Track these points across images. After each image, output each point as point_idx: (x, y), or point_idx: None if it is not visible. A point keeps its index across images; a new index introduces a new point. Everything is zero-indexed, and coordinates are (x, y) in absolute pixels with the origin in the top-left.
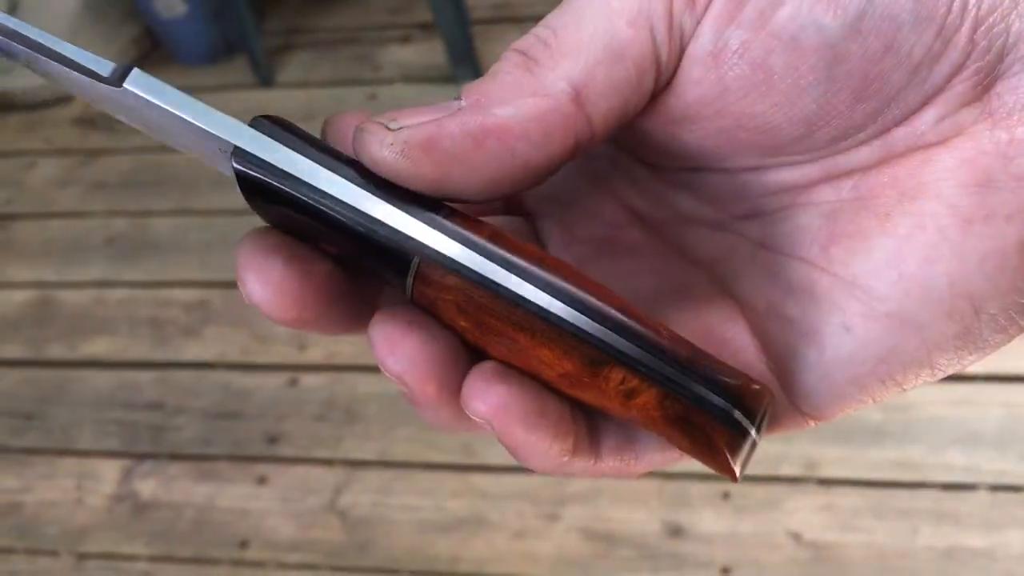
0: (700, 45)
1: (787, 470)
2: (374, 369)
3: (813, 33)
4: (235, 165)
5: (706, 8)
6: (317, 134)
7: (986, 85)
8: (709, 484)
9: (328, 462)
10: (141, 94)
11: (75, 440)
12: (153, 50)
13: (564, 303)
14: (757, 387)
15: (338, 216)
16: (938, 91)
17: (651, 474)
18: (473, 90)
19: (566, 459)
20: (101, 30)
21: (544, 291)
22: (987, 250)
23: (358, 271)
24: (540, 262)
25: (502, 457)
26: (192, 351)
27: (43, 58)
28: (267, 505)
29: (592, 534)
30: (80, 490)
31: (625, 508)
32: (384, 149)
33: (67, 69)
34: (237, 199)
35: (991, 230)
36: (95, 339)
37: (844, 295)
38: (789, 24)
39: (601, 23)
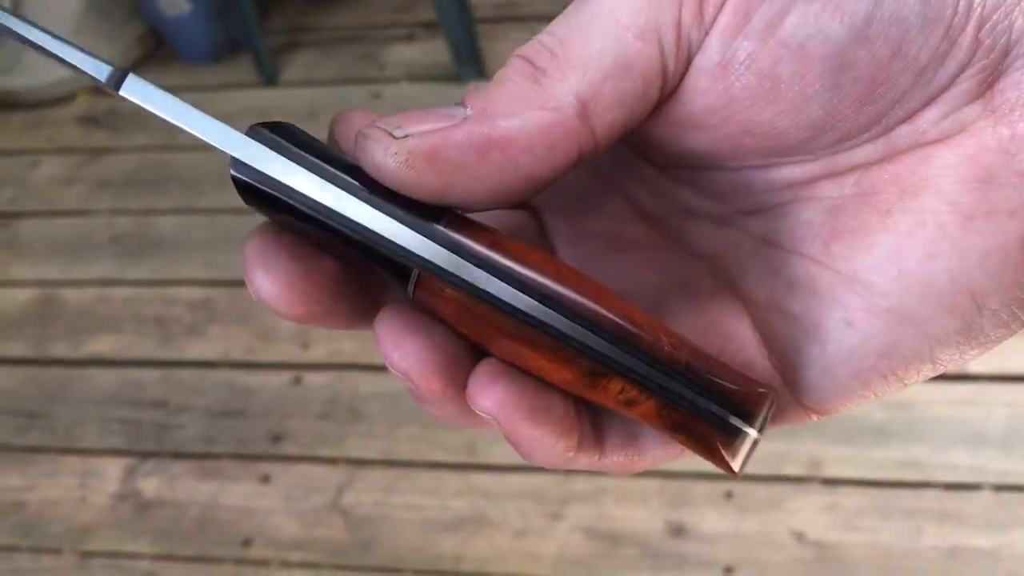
0: (708, 57)
1: (790, 469)
2: (378, 368)
3: (820, 41)
4: (233, 173)
5: (714, 20)
6: (321, 133)
7: (989, 82)
8: (712, 483)
9: (331, 461)
10: (137, 101)
11: (79, 438)
12: (157, 49)
13: (562, 315)
14: (760, 390)
15: (336, 227)
16: (942, 90)
17: (653, 473)
18: (479, 99)
19: (570, 455)
20: (105, 28)
21: (542, 304)
22: (989, 246)
23: (363, 268)
24: (541, 269)
25: (505, 456)
26: (196, 350)
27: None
28: (270, 504)
29: (595, 533)
30: (84, 488)
31: (628, 507)
32: (388, 157)
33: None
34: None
35: (993, 226)
36: (99, 337)
37: (845, 291)
38: (796, 33)
39: (609, 36)
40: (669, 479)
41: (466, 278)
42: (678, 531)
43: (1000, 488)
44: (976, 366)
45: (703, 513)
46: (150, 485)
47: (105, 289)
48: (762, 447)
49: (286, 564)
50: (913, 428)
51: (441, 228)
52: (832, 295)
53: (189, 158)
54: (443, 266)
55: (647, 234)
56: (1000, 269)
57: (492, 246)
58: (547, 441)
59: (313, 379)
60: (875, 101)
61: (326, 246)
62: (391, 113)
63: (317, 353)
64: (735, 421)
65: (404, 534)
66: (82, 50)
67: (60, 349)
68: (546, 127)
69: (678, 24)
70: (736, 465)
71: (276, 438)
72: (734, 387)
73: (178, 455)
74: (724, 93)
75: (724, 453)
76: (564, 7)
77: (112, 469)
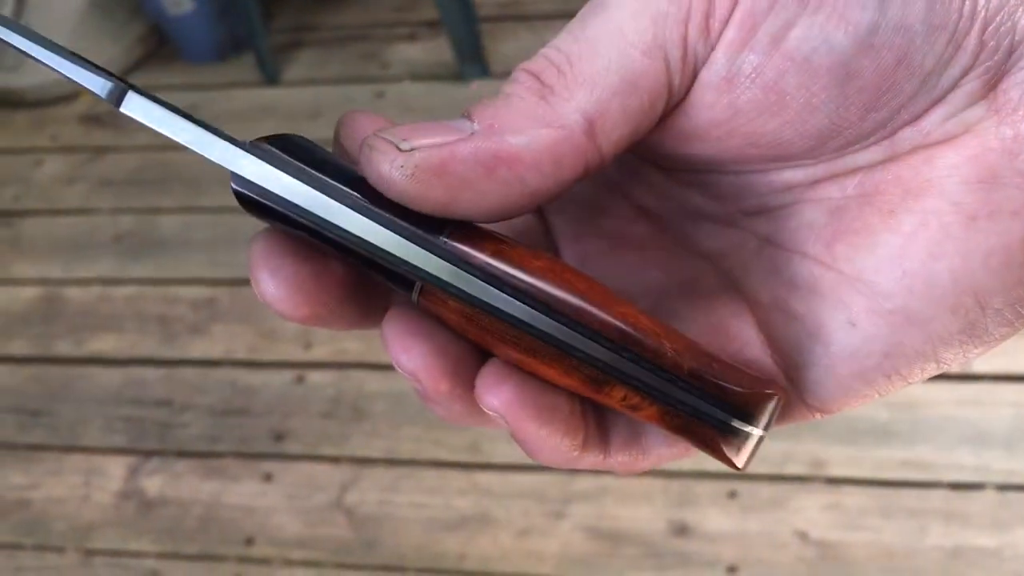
0: (714, 71)
1: (794, 469)
2: (381, 367)
3: (825, 53)
4: (234, 187)
5: (720, 35)
6: (323, 132)
7: (993, 83)
8: (715, 483)
9: (334, 459)
10: (137, 117)
11: (82, 437)
12: (160, 47)
13: (564, 325)
14: (766, 390)
15: (337, 240)
16: (946, 92)
17: (657, 473)
18: (486, 113)
19: (576, 454)
20: (108, 28)
21: (544, 314)
22: (992, 246)
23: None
24: (544, 277)
25: (508, 455)
26: (199, 348)
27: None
28: (273, 502)
29: (598, 533)
30: (87, 487)
31: (631, 507)
32: (394, 170)
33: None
34: None
35: (996, 226)
36: (102, 336)
37: (849, 291)
38: (802, 45)
39: (616, 53)
40: (672, 478)
41: (468, 290)
42: (681, 530)
43: (1004, 488)
44: (981, 366)
45: (706, 512)
46: (153, 484)
47: (108, 288)
48: (766, 447)
49: (289, 563)
50: (917, 428)
51: (443, 240)
52: (836, 295)
53: (192, 157)
54: (445, 279)
55: (651, 234)
56: (1003, 269)
57: (495, 255)
58: (553, 440)
59: (316, 378)
60: (880, 108)
61: (329, 256)
62: (394, 113)
63: (320, 352)
64: (738, 424)
65: (407, 533)
66: (83, 64)
67: (63, 348)
68: (553, 145)
69: (684, 40)
70: (740, 462)
71: (279, 437)
72: (738, 389)
73: (181, 454)
74: (729, 106)
75: (727, 453)
76: (567, 6)
77: (115, 467)
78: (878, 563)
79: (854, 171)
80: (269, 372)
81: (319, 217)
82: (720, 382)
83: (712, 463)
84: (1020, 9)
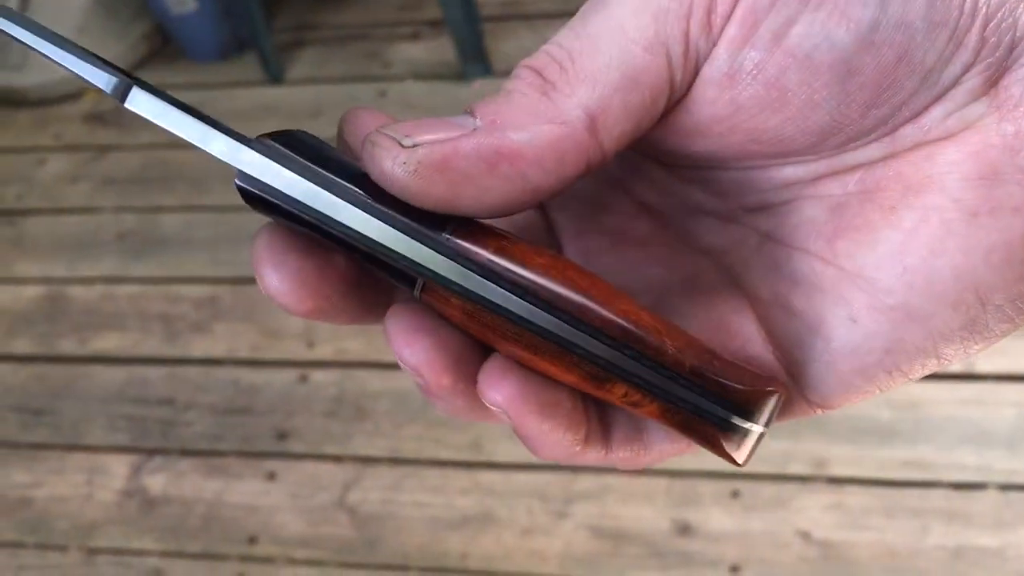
0: (715, 67)
1: (796, 469)
2: (384, 366)
3: (827, 49)
4: (238, 183)
5: (721, 31)
6: (326, 131)
7: (994, 79)
8: (718, 482)
9: (337, 458)
10: (141, 113)
11: (85, 435)
12: (163, 46)
13: (566, 322)
14: (768, 388)
15: (340, 236)
16: (947, 89)
17: (660, 472)
18: (488, 110)
19: (578, 449)
20: (111, 26)
21: (546, 311)
22: (993, 243)
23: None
24: (546, 273)
25: (511, 454)
26: (202, 347)
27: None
28: (276, 501)
29: (600, 532)
30: (90, 485)
31: (634, 506)
32: (396, 166)
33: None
34: None
35: (997, 223)
36: (105, 335)
37: (850, 287)
38: (803, 42)
39: (617, 49)
40: (675, 478)
41: (469, 287)
42: (684, 530)
43: (1006, 488)
44: (983, 366)
45: (709, 512)
46: (156, 482)
47: (111, 286)
48: (768, 446)
49: (292, 561)
50: (919, 428)
51: (446, 237)
52: (836, 291)
53: (195, 155)
54: (447, 275)
55: (652, 231)
56: (1004, 265)
57: (497, 252)
58: (555, 435)
59: (319, 377)
60: (881, 105)
61: (332, 251)
62: (397, 112)
63: (323, 351)
64: (738, 420)
65: (410, 532)
66: (88, 57)
67: (66, 346)
68: (555, 141)
69: (686, 36)
70: (740, 458)
71: (282, 436)
72: (739, 386)
73: (184, 452)
74: (731, 102)
75: (728, 449)
76: (569, 5)
77: (118, 466)
78: (880, 563)
79: (855, 167)
80: (272, 371)
81: (322, 213)
82: (721, 379)
83: (715, 462)
84: (1021, 6)
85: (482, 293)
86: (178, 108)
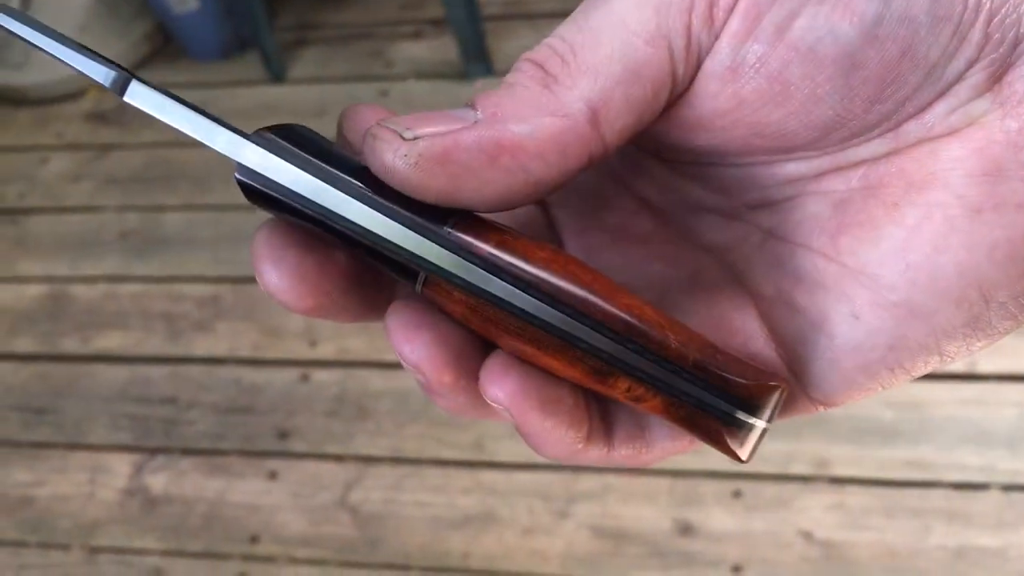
0: (718, 61)
1: (798, 469)
2: (385, 365)
3: (830, 43)
4: (238, 177)
5: (724, 24)
6: (329, 130)
7: (998, 76)
8: (720, 482)
9: (339, 458)
10: (141, 107)
11: (87, 434)
12: (165, 45)
13: (568, 316)
14: (770, 383)
15: (341, 230)
16: (951, 85)
17: (661, 472)
18: (489, 102)
19: (580, 447)
20: (113, 25)
21: (548, 305)
22: (996, 239)
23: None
24: (547, 267)
25: (513, 454)
26: (204, 346)
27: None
28: (278, 500)
29: (602, 531)
30: (92, 484)
31: (635, 506)
32: (397, 159)
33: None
34: None
35: (1001, 219)
36: (107, 334)
37: (853, 284)
38: (806, 35)
39: (619, 42)
40: (677, 478)
41: (471, 280)
42: (686, 530)
43: (1008, 488)
44: (985, 366)
45: (711, 512)
46: (158, 481)
47: (113, 285)
48: (770, 446)
49: (293, 560)
50: (921, 428)
51: (447, 231)
52: (839, 288)
53: (197, 154)
54: (449, 269)
55: (654, 227)
56: (1008, 262)
57: (499, 246)
58: (557, 432)
59: (321, 376)
60: (884, 100)
61: (333, 247)
62: (399, 111)
63: (325, 350)
64: (742, 415)
65: (412, 531)
66: (87, 53)
67: (69, 345)
68: (557, 134)
69: (688, 29)
70: (744, 454)
71: (283, 435)
72: (742, 381)
73: (186, 451)
74: (734, 96)
75: (731, 445)
76: (570, 5)
77: (120, 465)
78: (882, 563)
79: (858, 164)
80: (274, 370)
81: (323, 207)
82: (724, 374)
83: (716, 462)
84: None
85: (484, 286)
86: (177, 102)
